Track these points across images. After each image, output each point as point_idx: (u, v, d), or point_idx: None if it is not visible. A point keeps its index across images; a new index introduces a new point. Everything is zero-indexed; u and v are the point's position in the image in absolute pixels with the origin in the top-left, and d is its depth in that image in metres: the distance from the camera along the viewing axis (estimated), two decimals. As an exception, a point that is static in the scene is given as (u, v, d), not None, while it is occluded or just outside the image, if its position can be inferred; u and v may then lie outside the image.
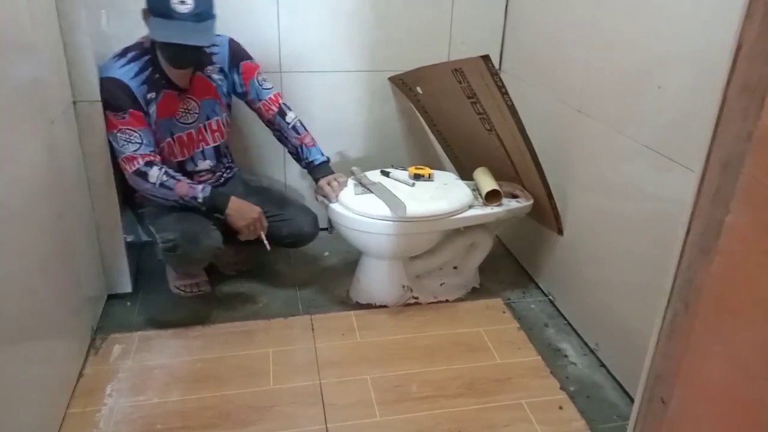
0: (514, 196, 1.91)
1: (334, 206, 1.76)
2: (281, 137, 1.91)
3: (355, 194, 1.77)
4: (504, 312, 1.90)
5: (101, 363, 1.62)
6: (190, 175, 1.83)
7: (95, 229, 1.79)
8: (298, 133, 1.88)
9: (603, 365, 1.65)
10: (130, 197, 1.84)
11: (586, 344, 1.74)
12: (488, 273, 2.06)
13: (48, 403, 1.39)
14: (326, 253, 2.21)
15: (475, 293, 2.00)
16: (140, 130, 1.65)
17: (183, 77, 1.72)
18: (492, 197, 1.83)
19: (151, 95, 1.68)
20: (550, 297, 1.97)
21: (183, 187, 1.68)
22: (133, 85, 1.63)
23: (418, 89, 2.11)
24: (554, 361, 1.68)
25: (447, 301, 1.95)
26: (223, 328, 1.78)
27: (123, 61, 1.65)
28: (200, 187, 1.70)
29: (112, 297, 1.90)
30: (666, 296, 0.49)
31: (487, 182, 1.86)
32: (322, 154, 1.90)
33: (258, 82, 1.84)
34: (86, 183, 1.73)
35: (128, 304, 1.89)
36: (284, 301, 1.93)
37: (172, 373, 1.59)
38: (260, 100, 1.85)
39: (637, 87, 1.45)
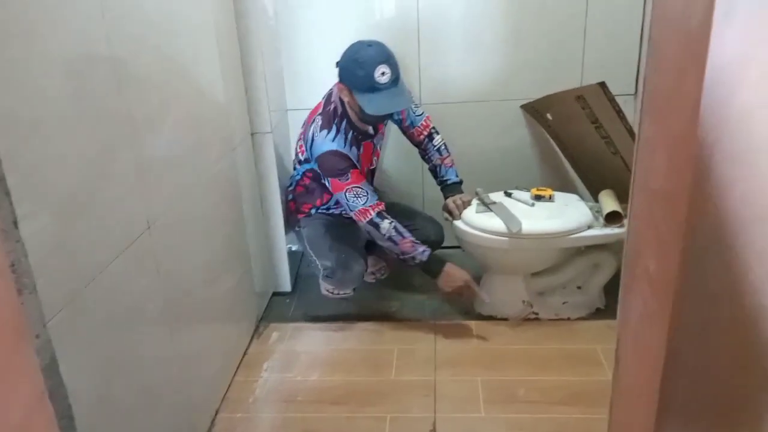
0: (641, 219, 1.92)
1: (457, 223, 1.95)
2: (424, 155, 2.14)
3: (477, 212, 1.94)
4: (625, 333, 1.91)
5: (262, 345, 1.99)
6: None
7: (265, 238, 2.20)
8: (441, 155, 2.10)
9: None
10: (291, 216, 2.17)
11: (711, 371, 1.68)
12: (617, 295, 2.06)
13: (221, 369, 1.78)
14: (457, 268, 2.39)
15: (599, 314, 2.03)
16: (362, 184, 1.86)
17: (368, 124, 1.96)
18: (612, 218, 1.87)
19: (358, 152, 1.95)
20: (679, 322, 1.92)
21: (406, 244, 1.86)
22: (346, 151, 1.87)
23: (548, 116, 2.22)
24: (672, 384, 1.66)
25: (568, 319, 2.01)
26: (359, 326, 2.05)
27: (332, 134, 1.87)
28: (421, 249, 1.86)
29: (275, 294, 2.29)
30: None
31: (608, 204, 1.90)
32: (457, 176, 2.10)
33: (411, 109, 2.07)
34: (259, 199, 2.15)
35: (287, 300, 2.26)
36: (414, 307, 2.15)
37: (314, 358, 1.90)
38: (414, 126, 2.09)
39: None
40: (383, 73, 1.73)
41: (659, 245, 0.48)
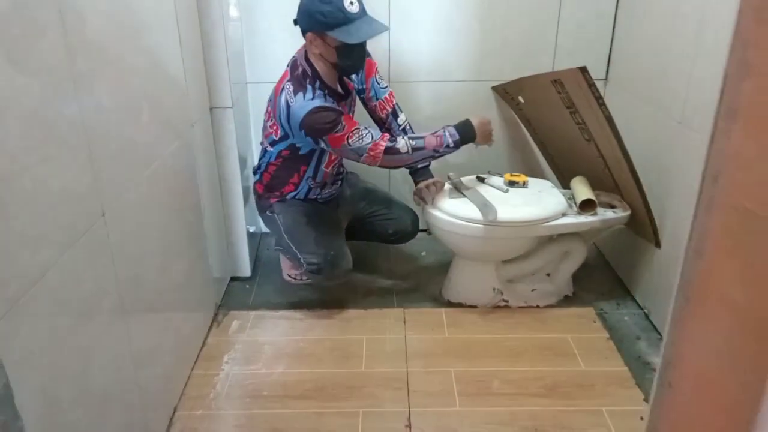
0: (612, 207, 1.91)
1: (429, 208, 1.88)
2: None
3: (450, 198, 1.88)
4: (594, 321, 1.91)
5: (221, 335, 1.87)
6: (327, 174, 1.95)
7: (223, 220, 2.06)
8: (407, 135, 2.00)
9: (695, 383, 1.61)
10: (261, 199, 2.01)
11: (679, 360, 1.70)
12: (583, 282, 2.07)
13: (178, 364, 1.65)
14: (423, 253, 2.33)
15: (567, 301, 2.02)
16: (359, 125, 1.74)
17: (337, 81, 1.84)
18: (586, 206, 1.84)
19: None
20: (645, 310, 1.93)
21: (431, 141, 1.76)
22: (329, 104, 1.74)
23: (520, 99, 2.17)
24: (642, 373, 1.67)
25: (537, 306, 1.99)
26: (325, 314, 1.96)
27: (309, 94, 1.73)
28: (447, 135, 1.77)
29: (234, 279, 2.16)
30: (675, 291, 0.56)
31: (582, 191, 1.88)
32: (425, 159, 2.02)
33: (376, 80, 1.96)
34: (218, 179, 2.00)
35: (247, 286, 2.14)
36: (381, 294, 2.08)
37: (279, 349, 1.80)
38: (377, 99, 1.97)
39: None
40: (351, 3, 1.64)
41: (751, 273, 0.42)
